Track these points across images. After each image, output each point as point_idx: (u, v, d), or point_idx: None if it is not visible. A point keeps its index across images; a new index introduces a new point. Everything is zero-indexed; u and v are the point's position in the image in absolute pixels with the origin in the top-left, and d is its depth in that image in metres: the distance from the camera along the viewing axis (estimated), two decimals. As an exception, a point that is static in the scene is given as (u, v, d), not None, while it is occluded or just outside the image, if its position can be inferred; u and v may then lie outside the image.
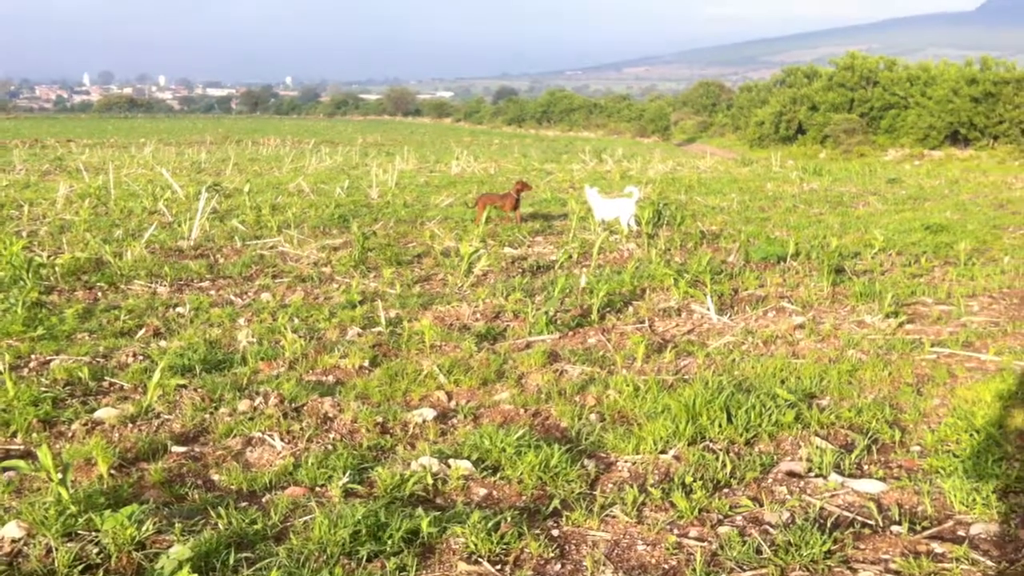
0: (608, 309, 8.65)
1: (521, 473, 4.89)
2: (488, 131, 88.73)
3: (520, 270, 10.71)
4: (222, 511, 4.38)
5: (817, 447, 5.28)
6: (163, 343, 7.52)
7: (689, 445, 5.31)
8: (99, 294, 9.26)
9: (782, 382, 6.40)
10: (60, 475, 4.40)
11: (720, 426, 5.49)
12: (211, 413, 5.91)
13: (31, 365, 6.90)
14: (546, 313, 8.14)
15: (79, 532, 4.20)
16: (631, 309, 8.76)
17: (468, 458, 5.09)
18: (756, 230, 13.51)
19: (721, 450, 5.25)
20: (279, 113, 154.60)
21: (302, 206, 16.13)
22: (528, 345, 7.57)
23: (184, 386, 6.32)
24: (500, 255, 11.51)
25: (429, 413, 5.89)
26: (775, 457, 5.22)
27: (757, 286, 9.70)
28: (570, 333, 8.00)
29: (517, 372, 6.86)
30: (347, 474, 4.83)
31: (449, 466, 4.96)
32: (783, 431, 5.54)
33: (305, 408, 5.99)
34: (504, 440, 5.19)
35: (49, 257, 10.31)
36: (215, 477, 5.00)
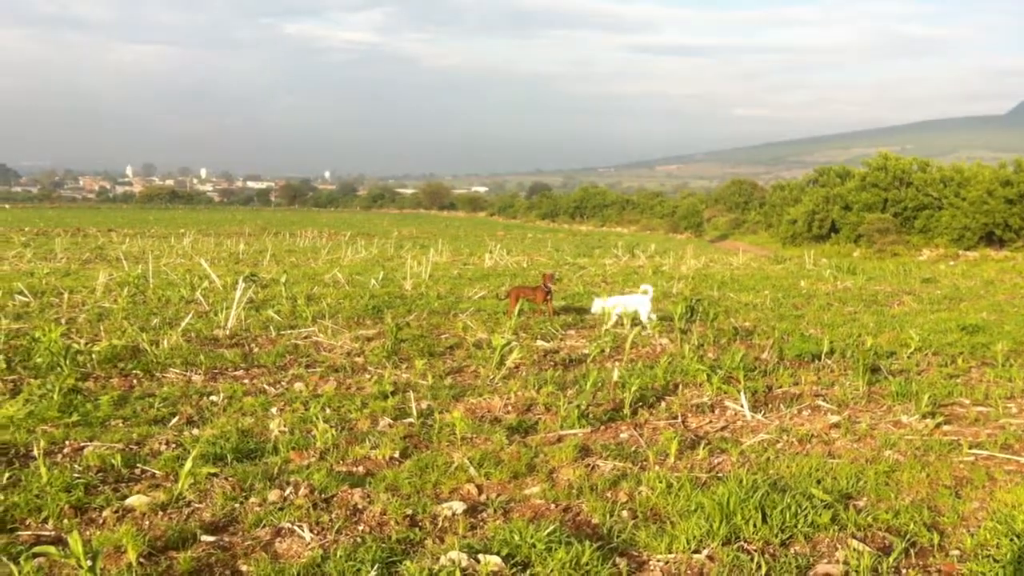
0: (640, 404, 8.60)
1: (551, 570, 4.82)
2: (522, 225, 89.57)
3: (552, 363, 10.70)
4: (249, 602, 4.35)
5: (854, 549, 5.17)
6: (196, 431, 7.55)
7: (723, 545, 5.22)
8: (135, 381, 9.34)
9: (818, 482, 6.29)
10: (90, 562, 4.40)
11: (755, 526, 5.40)
12: (241, 502, 5.90)
13: (65, 451, 6.94)
14: (578, 407, 8.10)
15: (106, 621, 4.18)
16: (664, 404, 8.70)
17: (498, 553, 5.02)
18: (790, 327, 13.44)
19: (756, 551, 5.15)
20: (317, 206, 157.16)
21: (337, 297, 16.29)
22: (560, 439, 7.53)
23: (215, 475, 6.32)
24: (532, 348, 11.52)
25: (459, 506, 5.84)
26: (811, 559, 5.11)
27: (791, 383, 9.61)
28: (602, 427, 7.94)
29: (548, 466, 6.80)
30: (376, 568, 4.79)
31: (479, 561, 4.90)
32: (819, 532, 5.43)
33: (335, 499, 5.97)
34: (535, 536, 5.13)
35: (87, 344, 10.44)
36: (243, 568, 4.97)
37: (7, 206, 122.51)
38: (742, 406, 8.44)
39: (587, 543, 5.02)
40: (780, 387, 9.49)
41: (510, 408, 8.55)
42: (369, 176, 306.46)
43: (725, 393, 8.95)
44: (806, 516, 5.51)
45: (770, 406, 8.71)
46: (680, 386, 9.38)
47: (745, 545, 5.25)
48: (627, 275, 23.43)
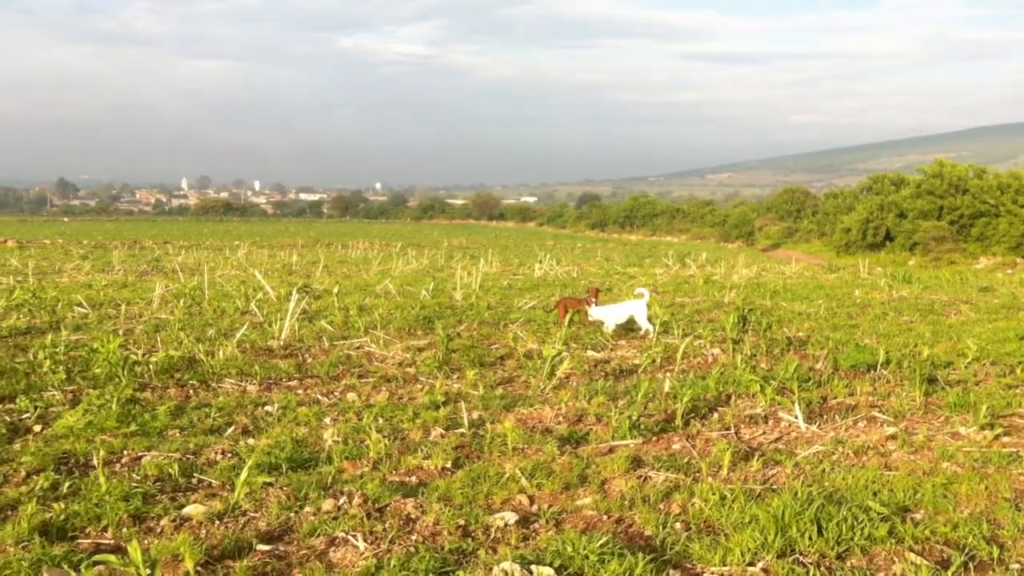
0: (692, 415, 8.55)
1: (604, 581, 4.81)
2: (571, 235, 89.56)
3: (603, 373, 10.68)
4: (305, 611, 4.39)
5: (912, 563, 5.09)
6: (251, 441, 7.66)
7: (778, 558, 5.17)
8: (191, 392, 9.49)
9: (874, 494, 6.20)
10: (149, 571, 4.48)
11: (810, 539, 5.34)
12: (296, 512, 5.97)
13: (123, 460, 7.07)
14: (629, 417, 8.08)
15: (165, 628, 4.25)
16: (716, 415, 8.64)
17: (551, 564, 5.02)
18: (845, 337, 13.27)
19: (812, 564, 5.09)
20: (368, 217, 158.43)
21: (388, 307, 16.40)
22: (611, 450, 7.51)
23: (271, 484, 6.40)
24: (583, 358, 11.50)
25: (511, 517, 5.86)
26: (868, 573, 5.05)
27: (846, 394, 9.49)
28: (654, 438, 7.91)
29: (600, 477, 6.79)
30: (429, 577, 4.81)
31: (531, 572, 4.90)
32: (876, 545, 5.36)
33: (388, 509, 6.01)
34: (587, 547, 5.13)
35: (144, 355, 10.62)
36: (298, 576, 5.02)
37: (66, 219, 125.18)
38: (796, 417, 8.35)
39: (640, 555, 5.00)
40: (835, 398, 9.38)
41: (561, 419, 8.55)
42: (419, 187, 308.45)
43: (779, 404, 8.86)
44: (862, 529, 5.44)
45: (825, 417, 8.61)
46: (733, 397, 9.31)
47: (800, 558, 5.20)
48: (677, 284, 23.31)
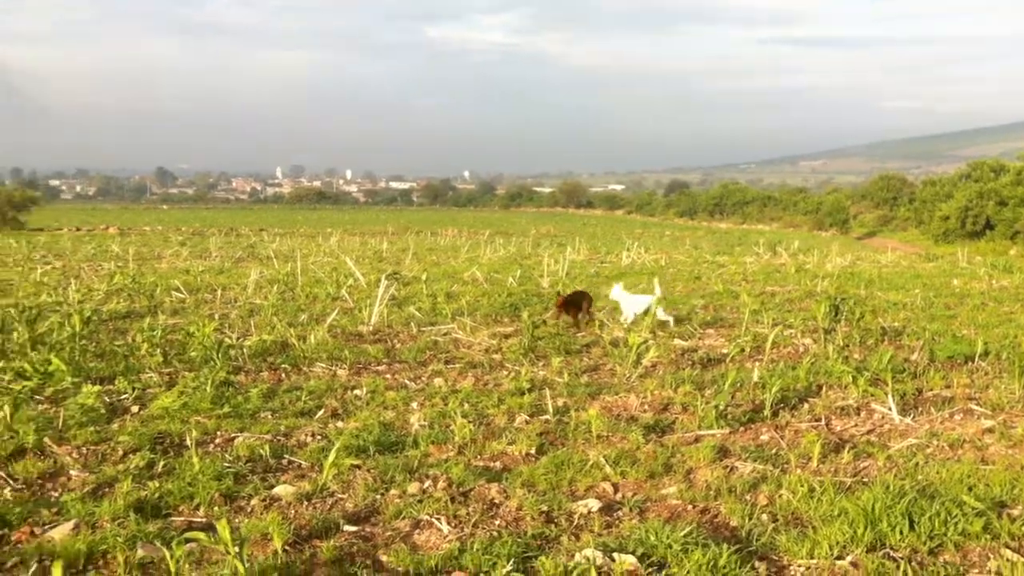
0: (782, 405, 8.40)
1: (688, 571, 4.76)
2: (659, 223, 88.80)
3: (690, 362, 10.57)
4: (389, 592, 4.45)
5: (1007, 560, 4.92)
6: (340, 424, 7.79)
7: (868, 552, 5.05)
8: (283, 375, 9.68)
9: (969, 489, 6.01)
10: (237, 549, 4.58)
11: (902, 533, 5.20)
12: (382, 494, 6.05)
13: (216, 441, 7.26)
14: (716, 407, 7.98)
15: (253, 605, 4.35)
16: (806, 406, 8.47)
17: (633, 552, 5.00)
18: (942, 328, 12.88)
19: (903, 559, 4.96)
20: (457, 205, 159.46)
21: (476, 294, 16.50)
22: (697, 439, 7.43)
23: (358, 466, 6.50)
24: (669, 347, 11.40)
25: (594, 504, 5.84)
26: (961, 569, 4.90)
27: (943, 387, 9.22)
28: (741, 429, 7.80)
29: (685, 466, 6.73)
30: (511, 562, 4.83)
31: (614, 560, 4.88)
32: (970, 541, 5.19)
33: (472, 493, 6.06)
34: (671, 536, 5.09)
35: (238, 339, 10.88)
36: (383, 558, 5.09)
37: (165, 207, 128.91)
38: (890, 409, 8.14)
39: (725, 545, 4.94)
40: (930, 390, 9.11)
41: (646, 407, 8.49)
42: (507, 175, 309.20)
43: (871, 396, 8.66)
44: (956, 524, 5.28)
45: (920, 409, 8.37)
46: (824, 388, 9.12)
47: (891, 552, 5.07)
48: (768, 273, 22.92)
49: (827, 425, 7.91)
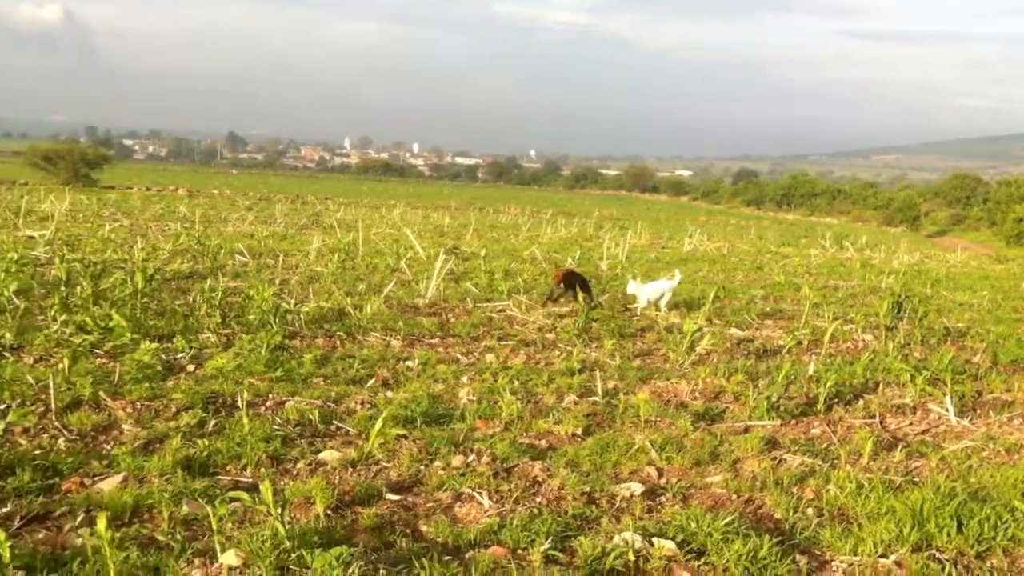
0: (835, 400, 8.26)
1: (727, 560, 4.71)
2: (725, 211, 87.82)
3: (745, 352, 10.45)
4: (426, 563, 4.47)
5: (1060, 571, 4.79)
6: (390, 394, 7.84)
7: (913, 552, 4.95)
8: (337, 342, 9.77)
9: (1023, 494, 5.86)
10: (279, 510, 4.64)
11: (949, 535, 5.08)
12: (426, 465, 6.08)
13: (268, 404, 7.35)
14: (768, 398, 7.87)
15: (291, 567, 4.41)
16: (861, 403, 8.32)
17: (673, 538, 4.96)
18: (1007, 331, 12.56)
19: (948, 560, 4.86)
20: (521, 183, 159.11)
21: (533, 273, 16.49)
22: (746, 429, 7.34)
23: (404, 436, 6.54)
24: (725, 335, 11.29)
25: (637, 488, 5.81)
26: (1009, 574, 4.78)
27: (1003, 390, 8.99)
28: (792, 421, 7.69)
29: (732, 456, 6.66)
30: (549, 540, 4.82)
31: (652, 544, 4.85)
32: (1020, 547, 5.06)
33: (515, 469, 6.06)
34: (712, 524, 5.04)
35: (296, 305, 10.99)
36: (423, 528, 5.12)
37: (235, 171, 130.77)
38: (947, 410, 7.97)
39: (767, 537, 4.88)
40: (991, 393, 8.90)
41: (697, 394, 8.42)
42: (573, 156, 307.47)
43: (929, 395, 8.48)
44: (1006, 529, 5.14)
45: (978, 412, 8.18)
46: (880, 385, 8.95)
47: (937, 554, 4.96)
48: (832, 267, 22.57)
49: (881, 423, 7.76)
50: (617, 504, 5.58)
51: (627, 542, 4.80)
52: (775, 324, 12.65)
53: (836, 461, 6.62)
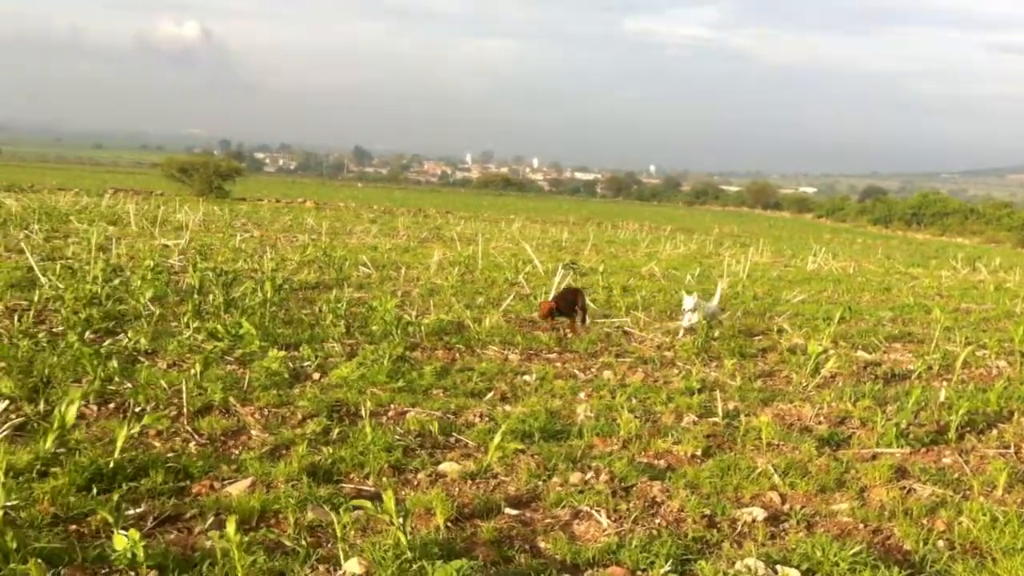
0: (968, 429, 7.94)
1: (853, 592, 4.58)
2: (851, 229, 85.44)
3: (872, 376, 10.14)
4: (544, 578, 4.47)
5: None
6: (508, 407, 7.88)
7: (1053, 592, 4.72)
8: (456, 355, 9.87)
9: None
10: (401, 520, 4.71)
11: (1093, 576, 4.83)
12: (544, 480, 6.09)
13: (389, 413, 7.48)
14: (897, 424, 7.61)
15: (412, 577, 4.47)
16: (995, 432, 7.98)
17: (797, 567, 4.84)
18: None
19: (1093, 604, 4.61)
20: (640, 199, 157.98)
21: (652, 290, 16.36)
22: (874, 456, 7.12)
23: (522, 451, 6.56)
24: (851, 358, 10.98)
25: (760, 513, 5.69)
26: None
27: None
28: (922, 450, 7.42)
29: (859, 483, 6.46)
30: (669, 563, 4.77)
31: (776, 572, 4.74)
32: None
33: (634, 489, 6.01)
34: (839, 554, 4.90)
35: (417, 316, 11.16)
36: (541, 544, 5.12)
37: (360, 185, 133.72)
38: (1090, 443, 7.57)
39: (895, 569, 4.72)
40: None
41: (822, 418, 8.20)
42: (693, 171, 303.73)
43: (1071, 427, 8.07)
44: None
45: (1125, 447, 7.74)
46: (1016, 414, 8.55)
47: (1080, 596, 4.72)
48: (964, 290, 21.71)
49: (1016, 453, 7.43)
50: (739, 529, 5.48)
51: (750, 569, 4.71)
52: (903, 348, 12.25)
53: (968, 492, 6.36)
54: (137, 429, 6.26)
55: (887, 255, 35.84)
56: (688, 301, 11.63)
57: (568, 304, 11.61)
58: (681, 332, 11.78)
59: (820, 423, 8.04)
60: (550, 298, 11.96)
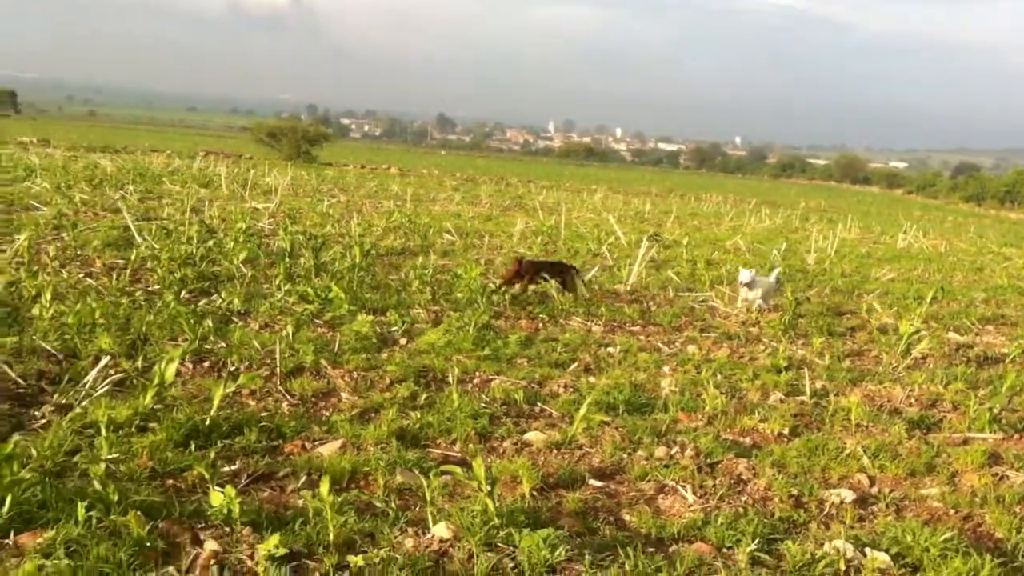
0: (1066, 417, 7.72)
1: (944, 578, 4.51)
2: (942, 206, 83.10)
3: (964, 359, 9.90)
4: (631, 552, 4.50)
5: None
6: (592, 379, 7.89)
7: None
8: (540, 325, 9.90)
9: None
10: (489, 487, 4.77)
11: None
12: (629, 454, 6.10)
13: (475, 381, 7.56)
14: (990, 409, 7.43)
15: (499, 544, 4.53)
16: (1095, 421, 7.74)
17: (886, 550, 4.78)
18: None
19: None
20: (724, 171, 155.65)
21: (736, 263, 16.16)
22: (966, 441, 6.97)
23: (607, 423, 6.59)
24: (943, 339, 10.73)
25: (848, 495, 5.62)
26: None
27: None
28: (1016, 436, 7.23)
29: (950, 468, 6.34)
30: (756, 541, 4.75)
31: (865, 555, 4.69)
32: None
33: (720, 466, 5.99)
34: (929, 539, 4.83)
35: (500, 286, 11.21)
36: (626, 517, 5.15)
37: (443, 152, 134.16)
38: None
39: (987, 556, 4.63)
40: None
41: (913, 400, 8.04)
42: (779, 144, 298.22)
43: None
44: None
45: None
46: (1118, 403, 8.29)
47: None
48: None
49: (1119, 445, 7.19)
50: (826, 510, 5.43)
51: (838, 551, 4.67)
52: (996, 330, 11.92)
53: (1066, 482, 6.19)
54: (232, 388, 6.45)
55: (979, 234, 34.81)
56: (744, 274, 11.44)
57: (538, 274, 10.98)
58: (756, 307, 11.53)
59: (910, 405, 7.89)
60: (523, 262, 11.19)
